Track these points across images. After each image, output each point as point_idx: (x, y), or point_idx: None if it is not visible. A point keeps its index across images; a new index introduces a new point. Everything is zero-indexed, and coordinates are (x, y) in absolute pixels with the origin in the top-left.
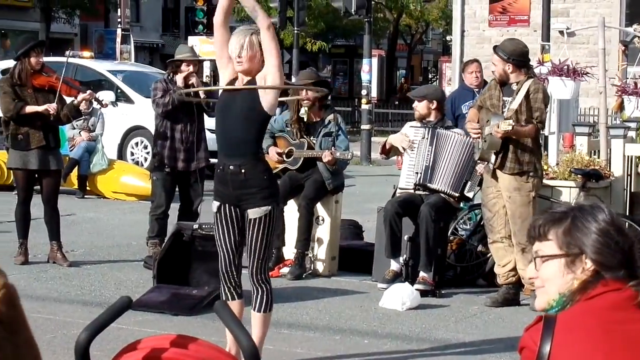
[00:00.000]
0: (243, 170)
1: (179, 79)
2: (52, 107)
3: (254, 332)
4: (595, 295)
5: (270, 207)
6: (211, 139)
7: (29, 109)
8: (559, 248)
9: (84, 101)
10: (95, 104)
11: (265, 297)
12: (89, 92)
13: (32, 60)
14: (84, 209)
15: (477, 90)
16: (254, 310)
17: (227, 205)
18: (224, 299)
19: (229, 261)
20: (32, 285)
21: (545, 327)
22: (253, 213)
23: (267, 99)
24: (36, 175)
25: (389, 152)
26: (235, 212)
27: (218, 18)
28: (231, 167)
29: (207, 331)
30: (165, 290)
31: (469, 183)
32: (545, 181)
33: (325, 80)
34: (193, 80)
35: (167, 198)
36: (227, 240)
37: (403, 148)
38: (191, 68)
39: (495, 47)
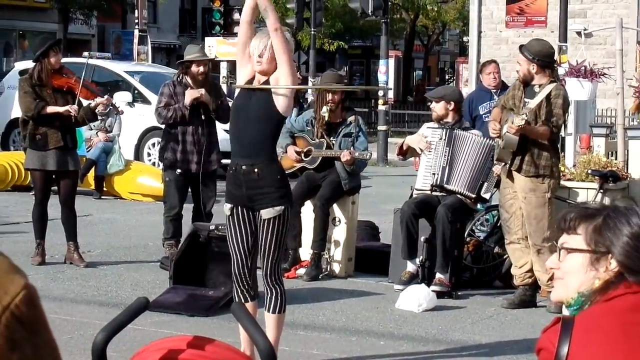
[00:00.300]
0: (256, 170)
1: (187, 98)
2: (72, 109)
3: (267, 333)
4: (614, 297)
5: (283, 207)
6: (224, 140)
7: (50, 109)
8: (587, 244)
9: (100, 105)
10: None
11: (278, 298)
12: (106, 97)
13: (52, 59)
14: (101, 209)
15: (494, 91)
16: (268, 311)
17: (239, 207)
18: (236, 300)
19: (242, 263)
20: (49, 285)
21: (563, 329)
22: (266, 213)
23: (280, 101)
24: (53, 176)
25: (406, 153)
26: (248, 214)
27: (245, 16)
28: (244, 166)
29: (224, 332)
30: (182, 291)
31: (486, 184)
32: (562, 182)
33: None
34: (203, 98)
35: (180, 199)
36: (240, 242)
37: (420, 149)
38: (202, 68)
39: (521, 47)
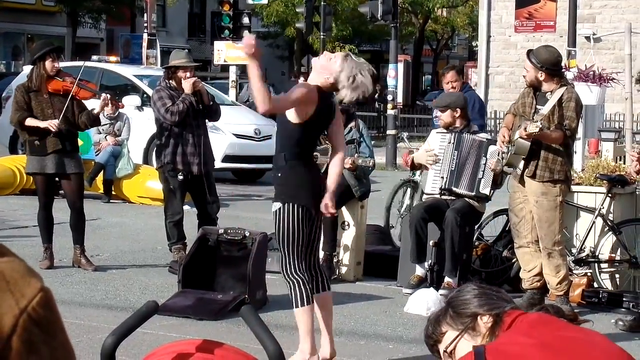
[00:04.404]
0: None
1: (187, 86)
2: (53, 125)
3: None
4: (512, 323)
5: (280, 204)
6: (237, 144)
7: (29, 122)
8: (457, 330)
9: (105, 107)
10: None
11: (292, 292)
12: (103, 95)
13: (47, 65)
14: (110, 213)
15: None
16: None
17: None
18: (308, 298)
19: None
20: (58, 289)
21: (476, 356)
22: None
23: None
24: (57, 180)
25: (418, 167)
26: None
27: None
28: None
29: (232, 336)
30: (191, 295)
31: (483, 180)
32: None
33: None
34: (200, 86)
35: (182, 203)
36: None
37: (428, 164)
38: (188, 74)
39: (528, 53)
